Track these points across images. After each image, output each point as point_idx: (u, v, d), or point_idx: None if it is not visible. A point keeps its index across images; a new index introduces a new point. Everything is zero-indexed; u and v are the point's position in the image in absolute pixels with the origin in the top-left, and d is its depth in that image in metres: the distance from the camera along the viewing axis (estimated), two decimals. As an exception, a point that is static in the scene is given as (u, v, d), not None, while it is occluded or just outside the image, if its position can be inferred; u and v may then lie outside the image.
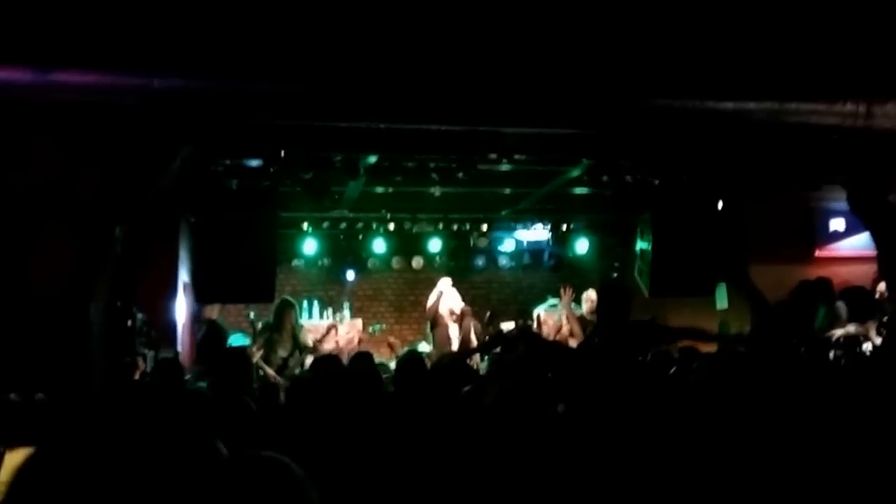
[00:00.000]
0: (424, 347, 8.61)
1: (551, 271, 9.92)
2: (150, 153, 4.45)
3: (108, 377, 4.58)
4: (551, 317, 8.54)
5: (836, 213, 7.47)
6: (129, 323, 5.30)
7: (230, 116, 4.61)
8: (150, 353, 5.66)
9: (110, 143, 4.36)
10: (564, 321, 7.73)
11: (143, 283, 6.02)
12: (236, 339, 7.19)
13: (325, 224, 8.96)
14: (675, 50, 4.19)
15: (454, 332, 7.64)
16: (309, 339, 6.95)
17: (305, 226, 8.80)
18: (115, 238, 4.45)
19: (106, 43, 3.99)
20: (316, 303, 9.27)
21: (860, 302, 4.74)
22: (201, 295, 6.50)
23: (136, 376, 5.23)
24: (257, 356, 6.31)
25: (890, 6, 3.76)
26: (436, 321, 7.68)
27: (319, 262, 9.49)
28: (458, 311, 7.57)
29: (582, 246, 9.75)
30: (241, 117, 4.69)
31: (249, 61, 4.26)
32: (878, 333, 4.44)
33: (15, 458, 2.48)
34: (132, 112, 4.10)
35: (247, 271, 5.97)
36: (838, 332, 4.77)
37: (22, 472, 1.55)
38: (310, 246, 9.16)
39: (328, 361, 4.61)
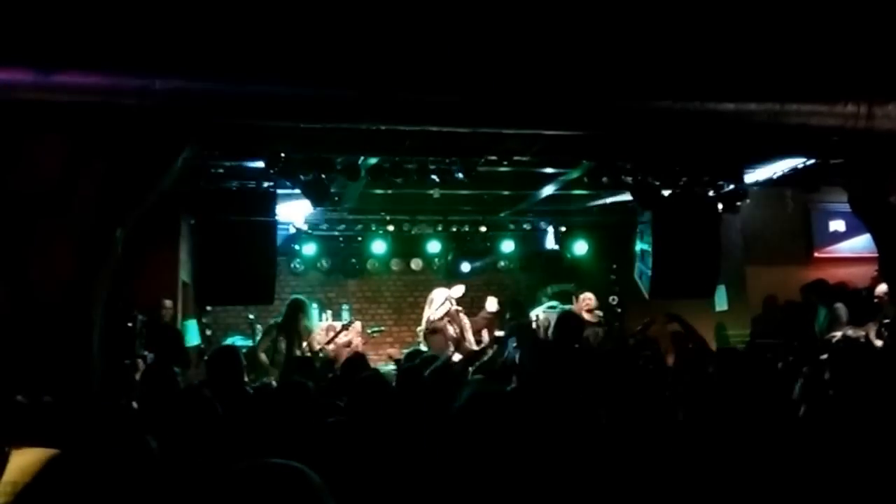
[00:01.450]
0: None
1: (546, 272, 9.93)
2: (150, 154, 4.44)
3: (108, 379, 4.57)
4: (550, 318, 8.54)
5: (836, 215, 7.48)
6: (130, 325, 5.29)
7: (231, 118, 4.60)
8: (150, 355, 5.64)
9: (111, 145, 4.35)
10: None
11: (143, 285, 6.01)
12: (235, 341, 7.18)
13: (325, 226, 8.97)
14: (675, 52, 4.20)
15: (451, 333, 7.64)
16: (315, 343, 6.93)
17: (305, 227, 8.79)
18: (115, 240, 4.44)
19: (107, 44, 3.98)
20: (315, 305, 9.26)
21: (860, 304, 4.75)
22: (202, 296, 6.49)
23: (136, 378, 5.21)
24: (262, 356, 6.29)
25: (890, 7, 3.76)
26: (435, 327, 7.68)
27: (318, 264, 9.49)
28: (451, 313, 7.57)
29: (581, 247, 9.77)
30: (242, 119, 4.68)
31: (251, 62, 4.25)
32: (879, 336, 4.43)
33: (20, 458, 2.47)
34: (133, 113, 4.08)
35: (247, 273, 5.96)
36: (838, 334, 4.77)
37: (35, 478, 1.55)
38: (309, 247, 9.17)
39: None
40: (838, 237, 7.62)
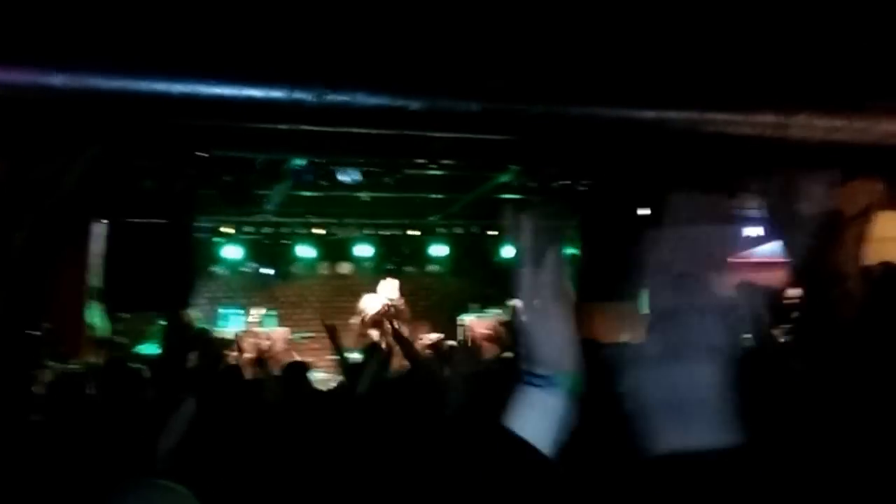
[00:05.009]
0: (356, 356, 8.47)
1: (477, 277, 9.91)
2: (53, 153, 4.18)
3: (8, 391, 4.28)
4: (481, 324, 8.54)
5: (750, 220, 7.73)
6: (36, 333, 4.96)
7: (137, 116, 4.38)
8: (55, 365, 5.31)
9: (9, 142, 4.07)
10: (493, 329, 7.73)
11: (50, 292, 5.67)
12: (149, 349, 6.86)
13: (248, 228, 8.73)
14: (596, 58, 4.23)
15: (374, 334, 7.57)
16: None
17: (226, 230, 8.53)
18: (13, 244, 4.16)
19: (5, 36, 3.72)
20: (237, 310, 9.00)
21: (771, 306, 4.86)
22: (112, 303, 6.17)
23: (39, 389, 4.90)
24: None
25: (803, 19, 3.89)
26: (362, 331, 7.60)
27: (241, 269, 9.22)
28: (376, 317, 7.50)
29: (511, 251, 9.82)
30: (151, 117, 4.46)
31: (163, 57, 4.05)
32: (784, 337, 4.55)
33: None
34: (32, 109, 3.83)
35: (162, 278, 5.71)
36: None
37: None
38: (231, 251, 8.89)
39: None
40: (752, 242, 7.88)
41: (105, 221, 5.93)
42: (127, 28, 3.88)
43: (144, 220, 5.67)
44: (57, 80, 3.80)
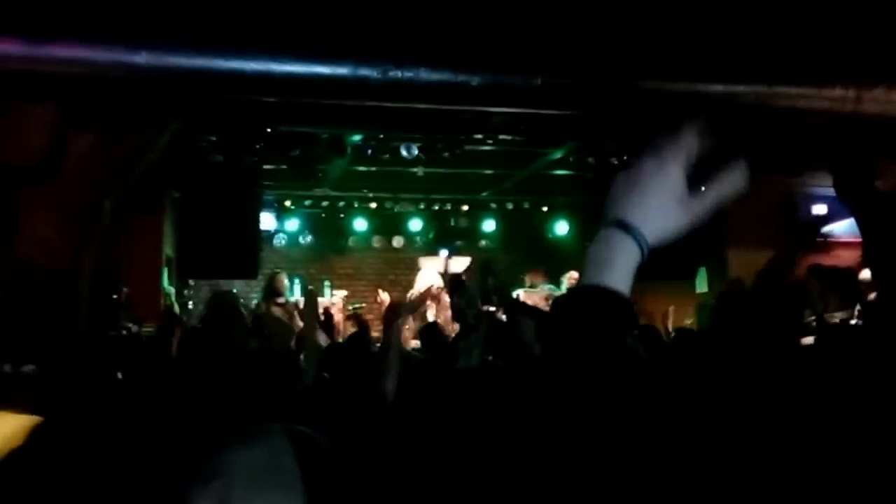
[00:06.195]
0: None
1: (527, 252, 9.98)
2: (140, 126, 4.40)
3: (93, 350, 4.55)
4: (531, 298, 8.63)
5: (818, 199, 7.57)
6: (115, 296, 5.26)
7: (219, 92, 4.55)
8: (133, 328, 5.62)
9: (100, 116, 4.29)
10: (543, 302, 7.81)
11: (127, 258, 5.97)
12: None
13: (307, 202, 8.97)
14: (664, 32, 4.22)
15: (430, 312, 7.69)
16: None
17: (288, 203, 8.80)
18: (104, 212, 4.40)
19: (96, 14, 3.91)
20: (297, 280, 9.28)
21: (844, 285, 4.82)
22: (184, 270, 6.46)
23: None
24: None
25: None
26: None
27: (301, 240, 9.51)
28: (433, 290, 7.62)
29: (562, 228, 9.86)
30: (229, 93, 4.63)
31: (236, 35, 4.20)
32: (860, 317, 4.50)
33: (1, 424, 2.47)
34: (121, 85, 4.03)
35: (230, 247, 5.95)
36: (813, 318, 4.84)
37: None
38: (291, 223, 9.17)
39: None
40: (825, 221, 7.70)
41: (178, 193, 6.19)
42: (206, 8, 4.04)
43: (214, 192, 5.90)
44: (140, 58, 4.00)
